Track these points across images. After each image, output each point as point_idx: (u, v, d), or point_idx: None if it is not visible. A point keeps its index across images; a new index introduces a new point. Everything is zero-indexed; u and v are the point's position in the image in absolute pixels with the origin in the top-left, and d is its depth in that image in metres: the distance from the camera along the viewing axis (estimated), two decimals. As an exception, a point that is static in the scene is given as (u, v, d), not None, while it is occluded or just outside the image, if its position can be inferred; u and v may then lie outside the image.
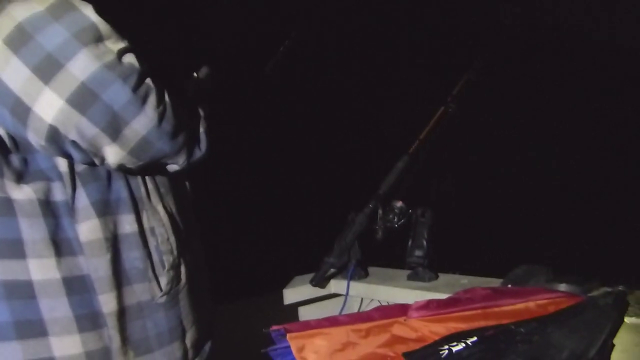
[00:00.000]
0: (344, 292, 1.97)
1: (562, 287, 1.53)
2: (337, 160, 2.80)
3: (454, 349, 1.16)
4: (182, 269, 1.08)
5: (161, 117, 0.94)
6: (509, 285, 1.63)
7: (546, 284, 1.58)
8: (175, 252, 1.07)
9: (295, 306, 2.02)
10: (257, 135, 2.63)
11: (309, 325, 1.24)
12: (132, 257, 1.02)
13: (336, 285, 2.04)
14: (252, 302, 1.91)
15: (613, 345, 1.24)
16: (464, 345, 1.18)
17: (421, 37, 3.03)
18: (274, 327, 1.24)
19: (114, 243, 0.99)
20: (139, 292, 1.02)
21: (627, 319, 1.35)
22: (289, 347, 1.19)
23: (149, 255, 1.04)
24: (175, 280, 1.07)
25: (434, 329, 1.26)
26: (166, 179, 1.10)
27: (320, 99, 2.76)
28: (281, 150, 2.70)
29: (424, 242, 1.92)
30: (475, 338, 1.20)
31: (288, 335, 1.19)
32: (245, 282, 2.02)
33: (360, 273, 2.03)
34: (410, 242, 1.95)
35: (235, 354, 1.40)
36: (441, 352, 1.16)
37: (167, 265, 1.05)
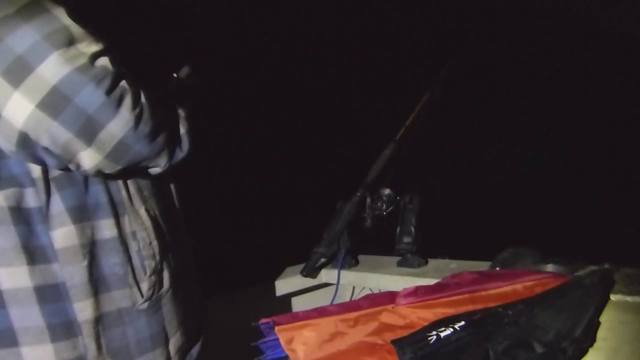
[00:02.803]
0: (334, 282, 1.98)
1: (549, 267, 1.55)
2: (323, 150, 2.80)
3: (442, 334, 1.17)
4: (166, 274, 1.06)
5: (138, 119, 0.92)
6: (497, 268, 1.65)
7: (533, 265, 1.59)
8: (157, 257, 1.04)
9: (286, 297, 2.02)
10: (244, 128, 2.62)
11: (297, 317, 1.24)
12: (112, 263, 0.99)
13: (327, 275, 2.04)
14: (243, 294, 1.91)
15: (599, 324, 1.26)
16: (452, 330, 1.19)
17: (406, 25, 3.01)
18: (263, 320, 1.25)
19: (91, 249, 0.97)
20: (118, 299, 1.00)
21: (612, 297, 1.37)
22: (278, 339, 1.19)
23: (129, 260, 1.01)
24: (157, 285, 1.05)
25: (422, 315, 1.27)
26: (149, 180, 1.08)
27: (305, 90, 2.74)
28: (267, 141, 2.69)
29: (412, 229, 1.92)
30: (463, 322, 1.21)
31: (276, 327, 1.20)
32: (235, 274, 2.02)
33: (350, 262, 2.03)
34: (398, 229, 1.96)
35: (226, 346, 1.41)
36: (429, 338, 1.16)
37: (148, 271, 1.03)
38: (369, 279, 1.96)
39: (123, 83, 0.91)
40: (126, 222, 1.01)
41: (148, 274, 1.03)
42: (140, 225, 1.03)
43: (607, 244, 2.34)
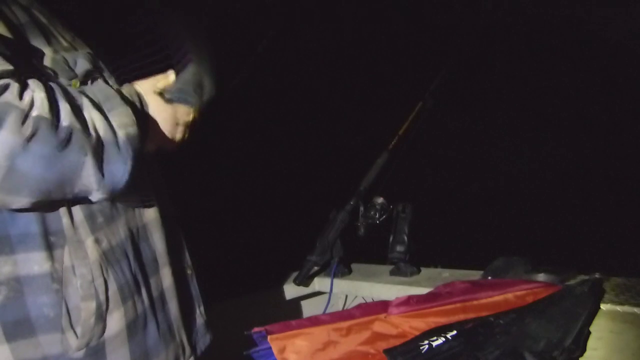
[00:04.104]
0: (327, 290, 1.98)
1: (540, 277, 1.56)
2: (317, 159, 2.80)
3: (434, 344, 1.18)
4: (116, 316, 0.91)
5: (30, 137, 0.75)
6: (489, 277, 1.66)
7: (525, 274, 1.60)
8: (101, 297, 0.89)
9: (279, 306, 2.02)
10: (244, 138, 2.62)
11: (290, 326, 1.24)
12: (40, 302, 0.85)
13: (320, 283, 2.04)
14: (235, 302, 1.91)
15: (589, 333, 1.27)
16: (444, 339, 1.19)
17: (399, 33, 3.04)
18: (256, 329, 1.24)
19: (14, 286, 0.84)
20: (45, 345, 0.86)
21: (603, 306, 1.38)
22: (270, 348, 1.19)
23: (62, 300, 0.86)
24: (97, 331, 0.89)
25: (414, 325, 1.28)
26: (112, 203, 0.93)
27: (299, 101, 2.76)
28: (262, 151, 2.69)
29: (405, 238, 1.93)
30: (454, 332, 1.22)
31: (269, 336, 1.20)
32: (227, 283, 2.02)
33: (343, 270, 2.04)
34: (391, 238, 1.96)
35: (218, 355, 1.40)
36: (421, 347, 1.17)
37: (83, 314, 0.88)
38: (361, 288, 1.96)
39: (3, 98, 0.75)
40: (65, 255, 0.87)
41: (83, 317, 0.87)
42: (82, 259, 0.88)
43: (598, 253, 2.36)
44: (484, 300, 1.37)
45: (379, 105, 2.80)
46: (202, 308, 1.16)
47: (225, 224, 2.46)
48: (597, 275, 1.59)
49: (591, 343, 1.23)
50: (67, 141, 0.78)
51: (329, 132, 2.88)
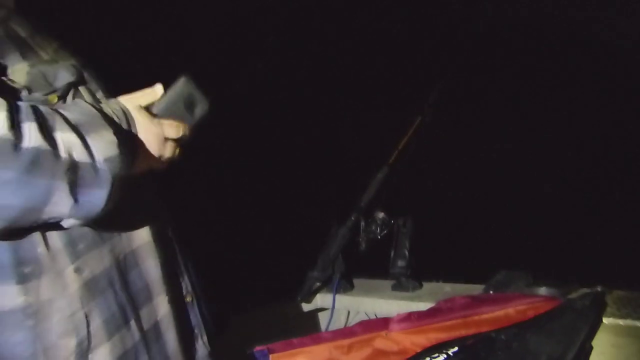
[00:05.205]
0: (329, 306, 1.98)
1: (542, 290, 1.56)
2: (317, 174, 2.81)
3: (435, 361, 1.18)
4: (101, 352, 0.83)
5: None
6: (490, 292, 1.66)
7: (526, 288, 1.60)
8: (82, 332, 0.81)
9: (281, 323, 2.02)
10: (246, 148, 2.62)
11: (291, 345, 1.25)
12: (13, 341, 0.78)
13: (322, 299, 2.04)
14: (236, 321, 1.90)
15: (591, 348, 1.26)
16: (445, 356, 1.20)
17: (396, 44, 3.05)
18: (258, 348, 1.25)
19: None
20: None
21: (605, 320, 1.38)
22: (272, 367, 1.20)
23: (37, 338, 0.79)
24: None
25: (415, 341, 1.28)
26: (94, 227, 0.84)
27: (299, 115, 2.77)
28: (259, 162, 2.69)
29: (406, 252, 1.94)
30: (456, 348, 1.23)
31: (271, 355, 1.21)
32: (229, 301, 2.02)
33: (345, 286, 2.04)
34: (392, 253, 1.97)
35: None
36: (423, 364, 1.17)
37: (63, 353, 0.80)
38: (364, 303, 1.96)
39: None
40: (41, 287, 0.79)
41: (62, 356, 0.80)
42: (61, 291, 0.80)
43: (600, 265, 2.35)
44: (485, 315, 1.37)
45: (378, 119, 2.81)
46: (205, 338, 1.05)
47: (226, 242, 2.46)
48: (599, 289, 1.58)
49: (593, 357, 1.23)
50: (33, 164, 0.71)
51: (330, 144, 2.89)
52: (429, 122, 2.18)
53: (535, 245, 2.60)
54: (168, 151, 0.94)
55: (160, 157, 0.93)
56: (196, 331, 1.04)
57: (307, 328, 2.08)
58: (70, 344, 0.80)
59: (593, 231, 2.61)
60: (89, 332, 0.82)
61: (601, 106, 2.91)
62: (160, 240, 0.97)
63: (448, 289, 1.89)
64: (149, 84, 0.96)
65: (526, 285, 1.62)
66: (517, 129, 2.94)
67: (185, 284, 1.03)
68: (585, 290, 1.57)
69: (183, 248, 1.05)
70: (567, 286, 1.57)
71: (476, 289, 1.75)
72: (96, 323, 0.83)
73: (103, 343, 0.84)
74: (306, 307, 2.03)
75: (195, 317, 1.04)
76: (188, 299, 1.03)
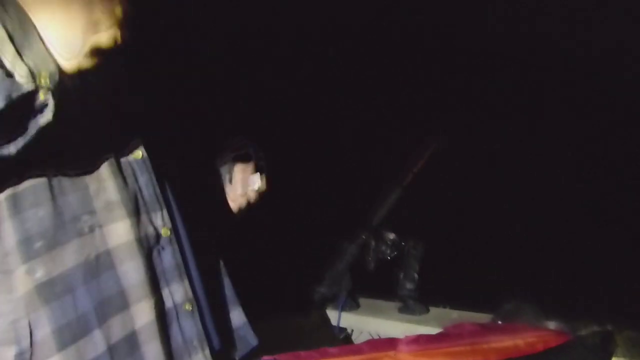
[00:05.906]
0: (335, 324, 1.97)
1: (551, 324, 1.55)
2: (326, 190, 2.80)
3: (442, 386, 1.17)
4: None
5: None
6: (499, 322, 1.64)
7: (535, 320, 1.59)
8: (24, 342, 0.73)
9: (285, 336, 2.01)
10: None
11: (299, 357, 1.24)
12: None
13: (327, 316, 2.03)
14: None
15: (600, 386, 1.25)
16: (452, 382, 1.18)
17: (406, 65, 3.04)
18: (265, 358, 1.25)
19: None
20: None
21: (615, 359, 1.37)
22: (278, 378, 1.19)
23: None
24: None
25: (423, 364, 1.27)
26: (57, 224, 0.75)
27: (309, 131, 2.77)
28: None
29: (415, 275, 1.93)
30: (463, 375, 1.21)
31: (278, 366, 1.20)
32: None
33: (351, 304, 2.03)
34: (401, 275, 1.96)
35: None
36: (429, 388, 1.16)
37: None
38: (369, 323, 1.95)
39: None
40: None
41: None
42: (5, 293, 0.73)
43: (612, 299, 2.33)
44: (493, 344, 1.36)
45: (390, 137, 2.81)
46: (207, 351, 0.92)
47: (234, 255, 2.45)
48: (609, 328, 1.57)
49: (602, 397, 1.21)
50: None
51: (342, 161, 2.89)
52: (445, 147, 2.19)
53: (544, 272, 2.58)
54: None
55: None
56: (195, 343, 0.91)
57: (312, 342, 2.06)
58: (8, 354, 0.73)
59: (606, 266, 2.58)
60: (32, 342, 0.73)
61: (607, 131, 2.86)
62: (147, 240, 0.85)
63: (455, 315, 1.88)
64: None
65: (535, 317, 1.61)
66: (525, 153, 2.92)
67: (185, 290, 0.90)
68: (595, 328, 1.56)
69: (185, 248, 0.92)
70: (578, 321, 1.55)
71: (484, 318, 1.74)
72: (44, 332, 0.74)
73: (52, 355, 0.75)
74: (311, 321, 2.02)
75: (194, 327, 0.91)
76: (187, 307, 0.90)
